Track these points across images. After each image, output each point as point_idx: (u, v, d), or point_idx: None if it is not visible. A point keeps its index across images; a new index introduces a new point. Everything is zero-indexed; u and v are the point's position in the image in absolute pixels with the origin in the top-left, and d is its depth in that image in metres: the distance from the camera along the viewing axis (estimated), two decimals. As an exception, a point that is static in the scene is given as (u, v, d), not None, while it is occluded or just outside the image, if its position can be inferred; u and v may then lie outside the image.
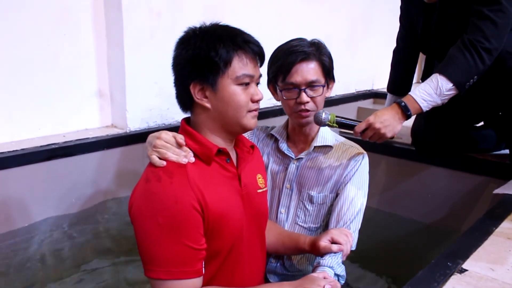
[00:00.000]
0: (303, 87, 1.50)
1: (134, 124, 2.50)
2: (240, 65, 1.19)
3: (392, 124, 1.63)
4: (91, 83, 2.46)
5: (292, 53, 1.49)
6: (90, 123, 2.50)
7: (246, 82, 1.21)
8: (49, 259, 2.02)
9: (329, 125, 1.53)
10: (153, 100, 2.53)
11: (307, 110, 1.51)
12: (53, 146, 2.18)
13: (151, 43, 2.45)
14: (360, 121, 1.59)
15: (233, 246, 1.25)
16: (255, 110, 1.25)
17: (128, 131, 2.48)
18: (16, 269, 1.92)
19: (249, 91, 1.22)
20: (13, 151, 2.07)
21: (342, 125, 1.55)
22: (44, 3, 2.19)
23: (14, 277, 1.88)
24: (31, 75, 2.20)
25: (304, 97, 1.50)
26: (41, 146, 2.15)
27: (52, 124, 2.33)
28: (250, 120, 1.24)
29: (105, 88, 2.51)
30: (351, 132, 1.61)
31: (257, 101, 1.25)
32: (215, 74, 1.18)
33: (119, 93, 2.47)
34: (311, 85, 1.50)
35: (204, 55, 1.17)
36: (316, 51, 1.52)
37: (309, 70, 1.49)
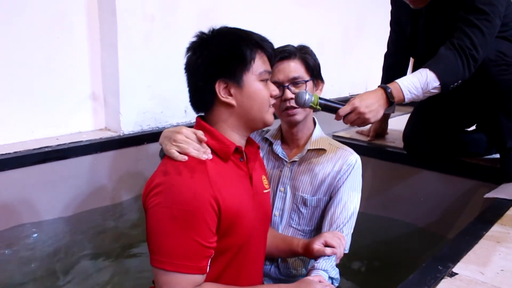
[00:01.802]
0: (286, 84, 1.52)
1: (128, 127, 2.50)
2: (261, 62, 1.25)
3: (376, 109, 1.58)
4: (85, 86, 2.46)
5: None
6: (84, 126, 2.50)
7: (266, 78, 1.27)
8: (42, 262, 2.01)
9: (312, 107, 1.49)
10: (147, 103, 2.54)
11: (293, 108, 1.52)
12: (46, 149, 2.17)
13: (145, 47, 2.46)
14: (344, 104, 1.54)
15: (242, 245, 1.26)
16: (273, 105, 1.31)
17: (121, 134, 2.48)
18: (7, 270, 1.91)
19: (269, 87, 1.29)
20: (6, 154, 2.06)
21: (326, 108, 1.51)
22: (38, 6, 2.19)
23: (7, 278, 1.87)
24: (24, 78, 2.20)
25: (288, 93, 1.52)
26: (34, 149, 2.15)
27: (45, 127, 2.33)
28: (270, 115, 1.30)
29: (99, 91, 2.51)
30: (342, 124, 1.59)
31: (275, 96, 1.31)
32: (241, 72, 1.22)
33: (112, 96, 2.47)
34: (293, 81, 1.52)
35: (231, 53, 1.22)
36: (298, 51, 1.55)
37: (291, 67, 1.53)
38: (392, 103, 1.64)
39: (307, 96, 1.46)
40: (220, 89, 1.22)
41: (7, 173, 2.02)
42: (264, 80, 1.26)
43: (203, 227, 1.13)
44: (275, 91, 1.30)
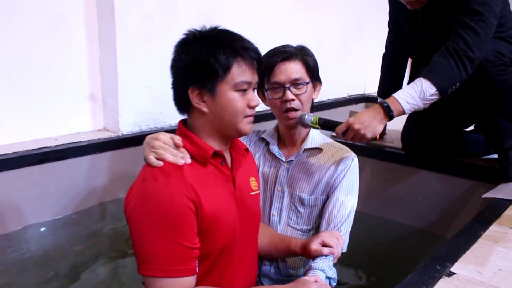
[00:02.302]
0: (287, 85, 1.53)
1: (127, 128, 2.50)
2: (239, 72, 1.21)
3: (372, 124, 1.62)
4: (84, 86, 2.46)
5: (275, 54, 1.54)
6: (82, 126, 2.50)
7: (244, 88, 1.23)
8: (41, 262, 2.01)
9: (312, 126, 1.56)
10: (146, 104, 2.54)
11: (294, 109, 1.54)
12: (45, 150, 2.17)
13: (144, 47, 2.46)
14: (342, 122, 1.59)
15: (225, 248, 1.26)
16: (251, 115, 1.27)
17: (120, 134, 2.48)
18: (8, 272, 1.91)
19: (247, 97, 1.24)
20: (4, 154, 2.06)
21: (325, 126, 1.57)
22: (37, 7, 2.19)
23: (7, 280, 1.87)
24: (23, 78, 2.20)
25: (289, 94, 1.52)
26: (32, 150, 2.15)
27: (44, 128, 2.33)
28: (246, 125, 1.26)
29: (98, 92, 2.51)
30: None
31: (254, 107, 1.26)
32: (214, 80, 1.20)
33: (111, 96, 2.48)
34: (295, 83, 1.53)
35: (203, 61, 1.18)
36: (299, 52, 1.55)
37: (292, 69, 1.53)
38: (391, 117, 1.69)
39: (306, 117, 1.54)
40: (193, 95, 1.22)
41: (5, 173, 2.02)
42: (241, 90, 1.22)
43: (186, 230, 1.14)
44: (255, 101, 1.26)
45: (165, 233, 1.12)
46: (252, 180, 1.42)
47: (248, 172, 1.41)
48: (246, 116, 1.25)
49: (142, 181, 1.17)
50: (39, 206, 2.15)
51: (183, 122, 1.31)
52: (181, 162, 1.18)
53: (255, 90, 1.30)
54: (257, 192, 1.42)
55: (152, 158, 1.19)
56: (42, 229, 2.15)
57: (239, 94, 1.22)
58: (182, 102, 1.26)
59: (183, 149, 1.21)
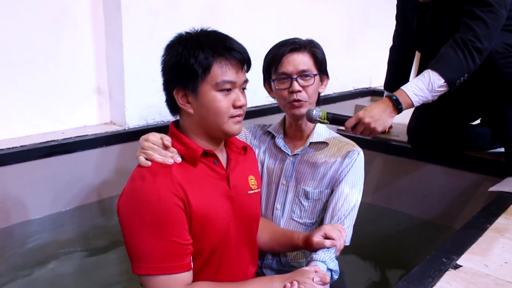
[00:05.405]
0: (294, 76, 1.53)
1: (133, 121, 2.51)
2: (220, 72, 1.21)
3: (382, 118, 1.62)
4: (90, 80, 2.47)
5: (284, 45, 1.54)
6: (89, 120, 2.51)
7: (227, 88, 1.22)
8: (46, 255, 2.03)
9: (320, 122, 1.55)
10: (152, 97, 2.54)
11: (300, 100, 1.53)
12: (52, 143, 2.19)
13: (150, 41, 2.46)
14: (351, 117, 1.59)
15: (217, 247, 1.26)
16: (238, 116, 1.26)
17: (127, 128, 2.49)
18: (13, 265, 1.93)
19: (231, 97, 1.24)
20: (12, 147, 2.08)
21: (334, 121, 1.57)
22: (43, 1, 2.20)
23: (10, 272, 1.89)
24: (30, 72, 2.21)
25: (296, 86, 1.52)
26: (40, 143, 2.16)
27: (51, 121, 2.35)
28: (232, 126, 1.25)
29: (104, 86, 2.52)
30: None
31: (240, 107, 1.25)
32: (194, 81, 1.20)
33: (118, 90, 2.48)
34: (302, 74, 1.53)
35: (184, 62, 1.20)
36: (308, 44, 1.56)
37: (300, 60, 1.53)
38: (400, 110, 1.68)
39: (314, 112, 1.53)
40: (178, 97, 1.23)
41: (13, 166, 2.04)
42: (224, 90, 1.22)
43: (176, 227, 1.15)
44: (240, 101, 1.25)
45: (156, 231, 1.13)
46: (251, 179, 1.41)
47: (246, 170, 1.41)
48: (232, 117, 1.25)
49: (131, 181, 1.19)
50: (45, 199, 2.17)
51: (174, 123, 1.32)
52: (170, 161, 1.19)
53: (244, 90, 1.29)
54: (256, 190, 1.42)
55: (141, 159, 1.21)
56: (49, 222, 2.17)
57: (222, 94, 1.22)
58: (170, 103, 1.28)
59: (172, 149, 1.22)
